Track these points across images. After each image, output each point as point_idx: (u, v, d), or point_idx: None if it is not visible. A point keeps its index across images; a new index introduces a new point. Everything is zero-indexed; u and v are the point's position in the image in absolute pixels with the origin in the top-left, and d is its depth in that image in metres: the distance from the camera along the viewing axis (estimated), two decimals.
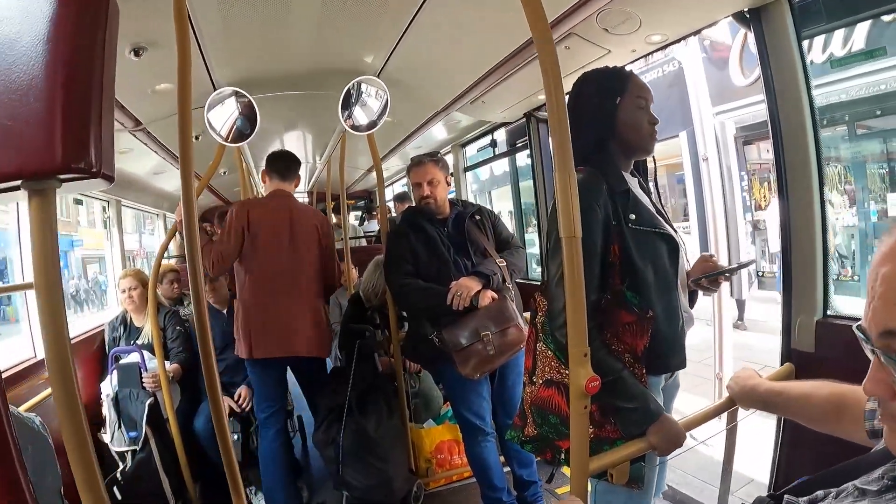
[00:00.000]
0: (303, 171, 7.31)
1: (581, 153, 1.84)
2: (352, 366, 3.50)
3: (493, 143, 5.26)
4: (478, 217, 3.36)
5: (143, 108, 3.42)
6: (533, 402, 2.00)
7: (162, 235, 8.13)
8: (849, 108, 7.10)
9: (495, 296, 3.10)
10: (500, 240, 3.41)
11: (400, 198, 7.47)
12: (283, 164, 3.79)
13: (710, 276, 2.08)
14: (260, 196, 7.98)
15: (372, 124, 3.52)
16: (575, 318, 1.49)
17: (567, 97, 1.94)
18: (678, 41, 2.87)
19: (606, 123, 1.96)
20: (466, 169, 6.12)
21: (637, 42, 2.84)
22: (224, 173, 6.48)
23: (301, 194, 9.04)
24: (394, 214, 7.50)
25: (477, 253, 3.24)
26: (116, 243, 5.38)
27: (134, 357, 3.87)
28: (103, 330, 4.32)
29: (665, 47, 2.95)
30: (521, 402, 2.09)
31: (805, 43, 2.37)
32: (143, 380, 3.76)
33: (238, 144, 3.47)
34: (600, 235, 1.85)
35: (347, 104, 3.47)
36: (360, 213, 10.25)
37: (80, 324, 4.30)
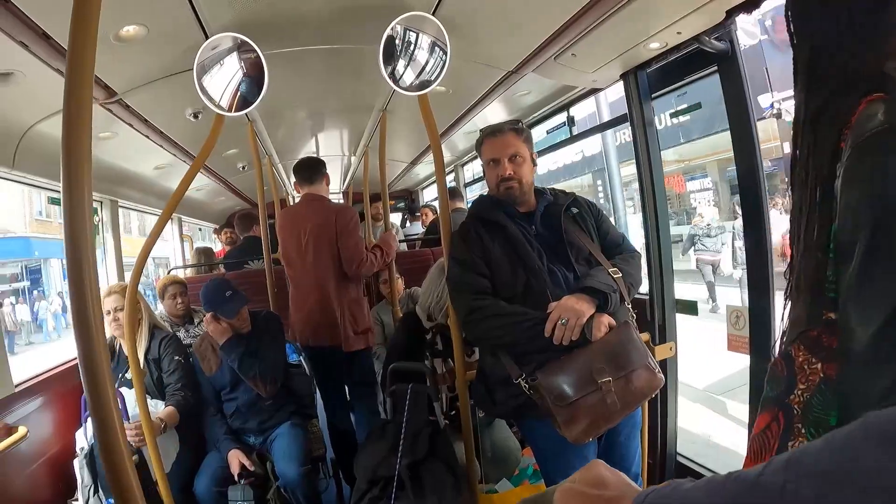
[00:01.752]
0: (335, 168, 6.44)
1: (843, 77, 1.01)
2: (402, 422, 2.52)
3: (570, 121, 4.24)
4: (575, 210, 2.44)
5: (111, 66, 2.53)
6: None
7: (175, 241, 7.29)
8: None
9: (613, 322, 2.18)
10: (606, 242, 2.46)
11: (449, 194, 6.43)
12: (307, 172, 3.87)
13: None
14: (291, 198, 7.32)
15: (425, 83, 2.56)
16: None
17: None
18: None
19: (882, 34, 0.98)
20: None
21: None
22: (243, 168, 5.60)
23: (336, 195, 8.20)
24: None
25: (580, 260, 2.32)
26: (111, 251, 4.50)
27: None
28: None
29: None
30: None
31: None
32: (126, 431, 2.86)
33: (239, 113, 2.55)
34: None
35: (391, 55, 2.51)
36: (400, 214, 9.27)
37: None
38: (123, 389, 3.05)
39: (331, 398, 3.98)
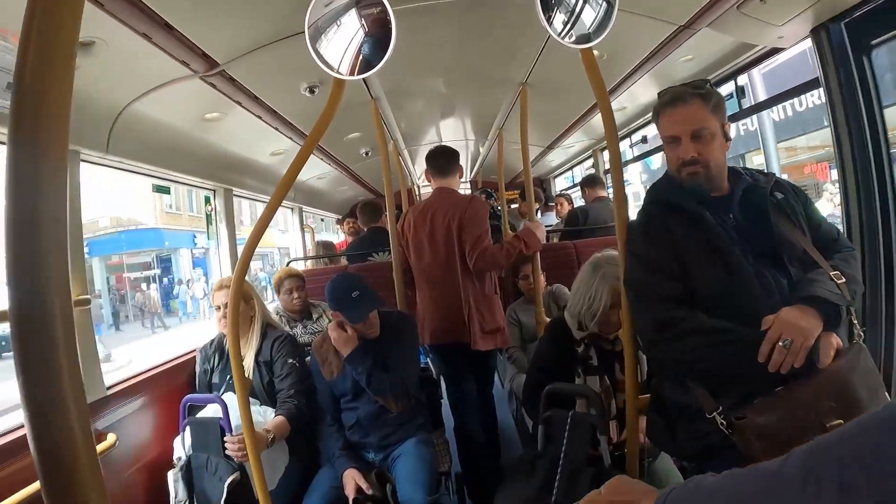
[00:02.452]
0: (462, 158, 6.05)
1: None
2: (559, 457, 2.03)
3: (740, 92, 3.59)
4: (779, 195, 1.86)
5: (208, 31, 2.23)
6: None
7: (296, 232, 7.07)
8: None
9: (841, 344, 1.66)
10: (818, 236, 1.87)
11: (590, 181, 5.76)
12: (442, 161, 3.66)
13: None
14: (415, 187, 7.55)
15: (584, 37, 2.03)
16: None
17: None
18: None
19: None
20: None
21: None
22: (366, 154, 5.28)
23: (463, 185, 7.82)
24: (582, 205, 5.96)
25: (793, 260, 1.75)
26: (224, 242, 4.26)
27: (213, 409, 2.67)
28: (195, 357, 3.25)
29: None
30: None
31: None
32: (227, 445, 2.55)
33: (359, 77, 2.11)
34: None
35: (547, 4, 2.01)
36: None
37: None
38: (228, 395, 2.74)
39: (459, 403, 3.62)
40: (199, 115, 3.09)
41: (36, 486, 2.07)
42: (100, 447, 2.39)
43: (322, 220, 9.61)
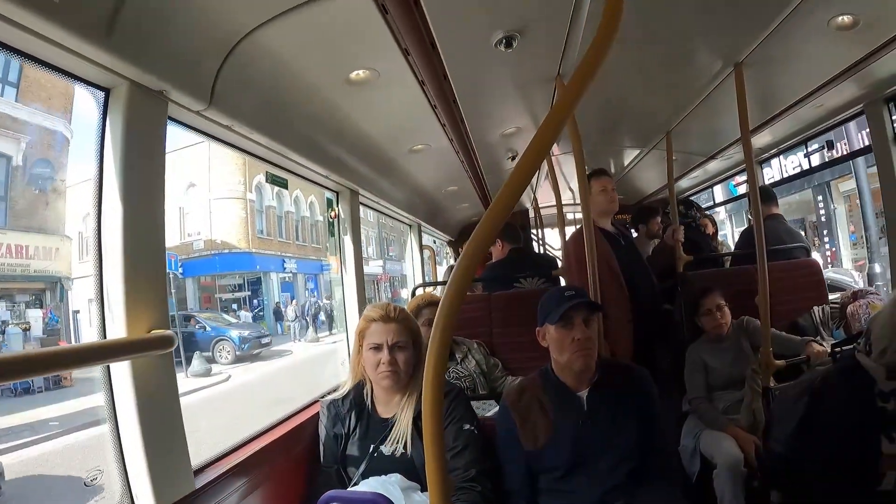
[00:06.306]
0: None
1: None
2: None
3: None
4: None
5: None
6: None
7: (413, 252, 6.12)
8: None
9: None
10: None
11: (764, 196, 4.57)
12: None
13: None
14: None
15: None
16: None
17: None
18: None
19: None
20: None
21: None
22: (511, 158, 4.20)
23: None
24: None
25: None
26: (351, 258, 3.33)
27: None
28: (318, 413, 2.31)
29: None
30: None
31: None
32: None
33: None
34: None
35: None
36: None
37: None
38: (371, 482, 1.87)
39: None
40: (341, 76, 2.18)
41: None
42: None
43: (434, 241, 8.40)
